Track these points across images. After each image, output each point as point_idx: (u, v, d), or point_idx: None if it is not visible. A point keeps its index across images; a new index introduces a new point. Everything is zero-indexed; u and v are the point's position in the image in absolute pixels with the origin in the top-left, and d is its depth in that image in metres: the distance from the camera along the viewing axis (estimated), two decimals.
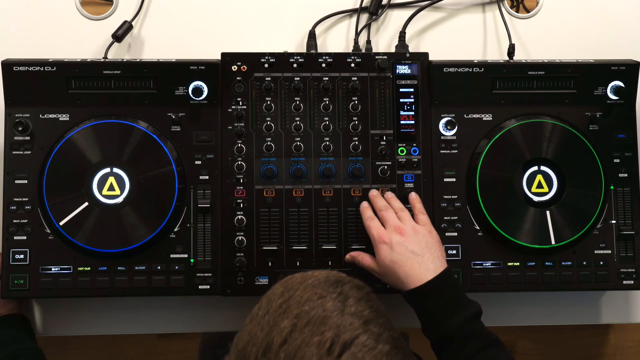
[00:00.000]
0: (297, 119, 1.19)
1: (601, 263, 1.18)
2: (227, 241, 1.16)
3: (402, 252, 1.06)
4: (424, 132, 1.19)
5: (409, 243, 1.07)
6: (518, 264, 1.18)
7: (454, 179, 1.19)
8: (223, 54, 1.19)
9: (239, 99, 1.18)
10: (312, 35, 1.28)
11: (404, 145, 1.19)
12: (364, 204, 1.15)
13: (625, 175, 1.20)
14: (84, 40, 1.29)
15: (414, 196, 1.16)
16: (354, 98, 1.19)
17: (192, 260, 1.15)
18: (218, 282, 1.15)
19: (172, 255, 1.15)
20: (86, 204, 1.13)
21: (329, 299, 0.74)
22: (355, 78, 1.20)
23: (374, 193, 1.16)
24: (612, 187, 1.19)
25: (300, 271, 1.15)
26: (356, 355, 0.69)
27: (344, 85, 1.19)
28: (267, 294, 0.78)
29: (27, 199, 1.14)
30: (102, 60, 1.19)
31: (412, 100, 1.20)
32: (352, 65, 1.20)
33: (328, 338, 0.70)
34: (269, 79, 1.19)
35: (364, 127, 1.19)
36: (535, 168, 1.18)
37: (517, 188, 1.17)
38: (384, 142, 1.19)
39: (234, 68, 1.19)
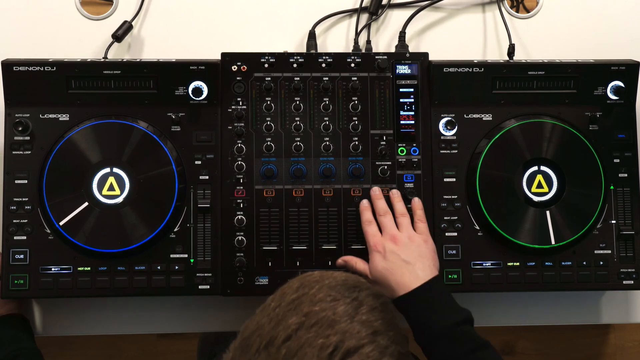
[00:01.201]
0: (297, 119, 1.19)
1: (601, 263, 1.18)
2: (227, 241, 1.16)
3: (394, 261, 1.07)
4: (424, 132, 1.19)
5: (402, 252, 1.07)
6: (518, 264, 1.18)
7: (454, 179, 1.19)
8: (223, 54, 1.19)
9: (239, 99, 1.18)
10: (312, 35, 1.28)
11: (404, 145, 1.19)
12: (364, 204, 1.15)
13: (625, 175, 1.20)
14: (84, 40, 1.29)
15: (416, 202, 1.16)
16: (354, 98, 1.19)
17: (192, 260, 1.15)
18: (218, 282, 1.15)
19: (172, 255, 1.15)
20: (86, 204, 1.13)
21: (342, 303, 0.73)
22: (355, 78, 1.20)
23: (375, 192, 1.16)
24: (612, 187, 1.19)
25: (300, 271, 1.16)
26: None
27: (344, 85, 1.19)
28: (283, 286, 0.77)
29: (27, 199, 1.14)
30: (102, 60, 1.20)
31: (412, 100, 1.20)
32: (352, 65, 1.20)
33: (332, 342, 0.69)
34: (269, 79, 1.19)
35: (364, 127, 1.19)
36: (535, 168, 1.18)
37: (517, 188, 1.17)
38: (384, 142, 1.19)
39: (234, 68, 1.19)
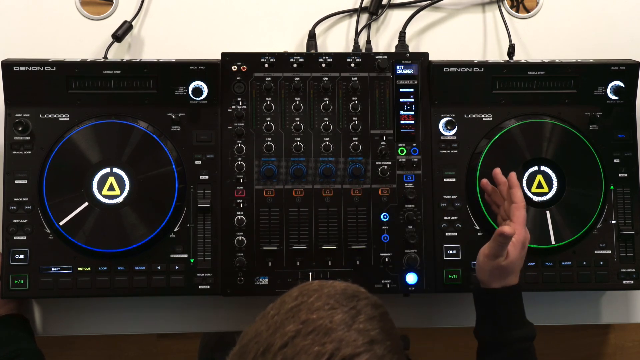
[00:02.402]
0: (297, 119, 1.19)
1: (601, 263, 1.18)
2: (227, 241, 1.16)
3: (522, 262, 1.07)
4: (424, 132, 1.19)
5: (524, 255, 1.07)
6: None
7: (454, 179, 1.19)
8: (223, 54, 1.19)
9: (239, 99, 1.18)
10: (312, 35, 1.28)
11: (404, 145, 1.19)
12: (515, 180, 1.07)
13: (625, 175, 1.20)
14: (84, 40, 1.29)
15: (514, 181, 1.07)
16: (354, 98, 1.19)
17: (192, 260, 1.15)
18: (218, 282, 1.15)
19: (172, 255, 1.15)
20: (86, 204, 1.13)
21: (340, 311, 0.73)
22: (355, 78, 1.20)
23: (514, 180, 1.07)
24: (612, 187, 1.19)
25: (300, 271, 1.16)
26: None
27: (344, 85, 1.19)
28: (284, 295, 0.77)
29: (27, 199, 1.14)
30: (102, 60, 1.19)
31: (412, 100, 1.20)
32: (352, 65, 1.20)
33: (328, 350, 0.69)
34: (269, 79, 1.19)
35: (364, 127, 1.19)
36: (535, 168, 1.18)
37: None
38: (384, 142, 1.19)
39: (234, 68, 1.19)
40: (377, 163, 1.18)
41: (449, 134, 1.19)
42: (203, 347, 1.61)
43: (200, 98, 1.17)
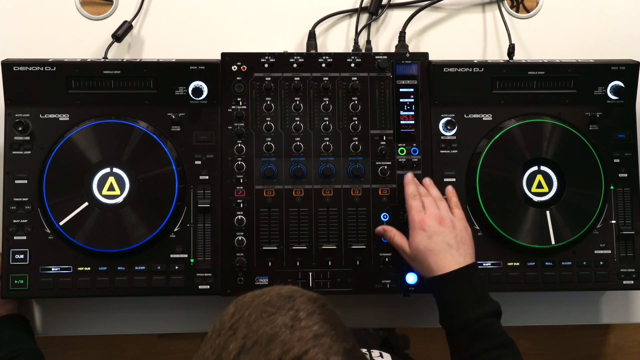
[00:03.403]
0: (297, 119, 1.19)
1: (601, 263, 1.18)
2: (227, 241, 1.16)
3: (438, 242, 1.07)
4: (424, 132, 1.19)
5: (445, 235, 1.07)
6: (518, 264, 1.18)
7: (454, 179, 1.19)
8: (223, 54, 1.19)
9: (239, 99, 1.18)
10: (312, 35, 1.28)
11: (404, 145, 1.19)
12: (409, 177, 1.15)
13: (625, 175, 1.20)
14: (84, 40, 1.29)
15: (450, 190, 1.16)
16: (354, 98, 1.19)
17: (192, 260, 1.15)
18: (218, 282, 1.15)
19: (172, 255, 1.15)
20: (86, 204, 1.13)
21: (279, 315, 0.72)
22: (355, 78, 1.20)
23: (409, 178, 1.15)
24: (612, 187, 1.19)
25: (300, 271, 1.16)
26: None
27: (344, 85, 1.19)
28: (220, 315, 0.76)
29: (27, 199, 1.14)
30: (102, 60, 1.20)
31: (412, 100, 1.20)
32: (352, 65, 1.20)
33: (275, 356, 0.68)
34: (269, 79, 1.19)
35: (364, 127, 1.19)
36: (535, 168, 1.18)
37: (517, 188, 1.17)
38: (384, 142, 1.19)
39: (234, 68, 1.19)
40: (377, 163, 1.18)
41: (449, 134, 1.20)
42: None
43: (200, 98, 1.17)
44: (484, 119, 1.20)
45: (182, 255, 1.15)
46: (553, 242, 1.16)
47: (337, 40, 1.32)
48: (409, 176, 1.15)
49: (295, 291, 0.76)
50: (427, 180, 1.16)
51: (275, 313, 0.72)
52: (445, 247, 1.06)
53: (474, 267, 1.07)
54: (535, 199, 1.17)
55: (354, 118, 1.19)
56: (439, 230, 1.07)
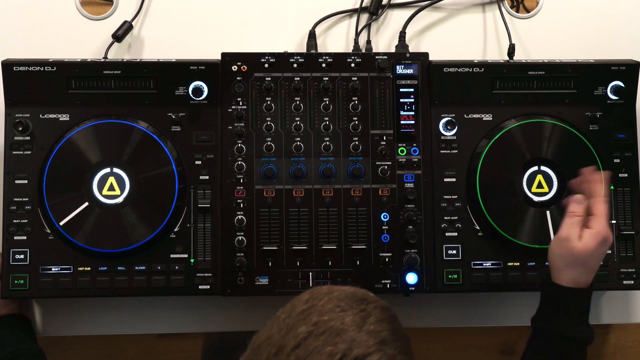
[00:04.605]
0: (297, 119, 1.19)
1: (601, 263, 1.18)
2: (227, 241, 1.16)
3: (597, 260, 1.04)
4: (424, 132, 1.19)
5: (602, 256, 1.05)
6: (518, 264, 1.18)
7: (454, 179, 1.19)
8: (223, 54, 1.19)
9: (239, 99, 1.18)
10: (312, 35, 1.28)
11: (404, 145, 1.19)
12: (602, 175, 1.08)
13: (625, 175, 1.20)
14: (84, 40, 1.29)
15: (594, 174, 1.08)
16: (354, 98, 1.19)
17: (192, 260, 1.15)
18: (218, 282, 1.15)
19: (172, 255, 1.15)
20: (86, 204, 1.13)
21: (350, 313, 0.74)
22: (355, 78, 1.20)
23: (594, 174, 1.08)
24: (612, 187, 1.19)
25: (300, 271, 1.16)
26: None
27: (344, 85, 1.19)
28: (293, 299, 0.79)
29: (27, 199, 1.14)
30: (102, 60, 1.19)
31: (412, 100, 1.20)
32: (352, 65, 1.20)
33: (340, 350, 0.70)
34: (269, 79, 1.19)
35: (364, 127, 1.19)
36: (535, 168, 1.18)
37: (517, 188, 1.17)
38: (384, 142, 1.19)
39: (234, 68, 1.19)
40: (377, 163, 1.18)
41: (449, 134, 1.19)
42: (207, 348, 1.61)
43: (201, 98, 1.17)
44: (484, 119, 1.20)
45: (182, 255, 1.15)
46: None
47: (337, 40, 1.32)
48: (601, 175, 1.08)
49: (369, 295, 0.79)
50: (593, 173, 1.08)
51: (347, 310, 0.75)
52: (595, 267, 1.04)
53: (592, 288, 1.06)
54: (536, 199, 1.17)
55: (354, 118, 1.19)
56: (609, 243, 1.04)
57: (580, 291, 1.03)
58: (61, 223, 1.12)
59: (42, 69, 1.15)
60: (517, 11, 1.35)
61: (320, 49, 1.29)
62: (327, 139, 1.18)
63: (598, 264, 1.04)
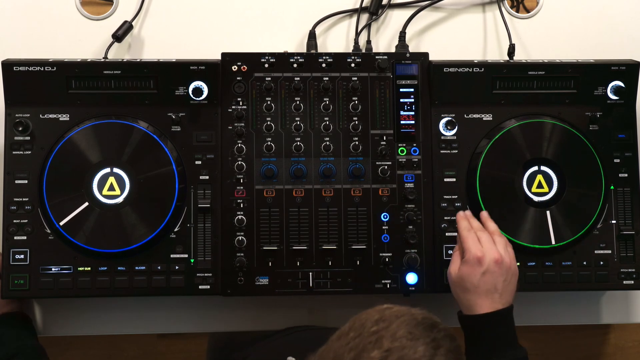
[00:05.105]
0: (297, 119, 1.19)
1: (601, 263, 1.18)
2: (227, 241, 1.16)
3: (487, 282, 1.04)
4: (424, 132, 1.19)
5: (497, 277, 1.04)
6: (518, 264, 1.17)
7: (454, 179, 1.19)
8: (223, 54, 1.19)
9: (239, 99, 1.18)
10: (312, 35, 1.28)
11: (404, 145, 1.19)
12: (462, 215, 1.12)
13: (625, 175, 1.20)
14: (84, 40, 1.29)
15: (485, 215, 1.13)
16: (354, 98, 1.19)
17: (192, 260, 1.15)
18: (218, 282, 1.15)
19: (172, 255, 1.15)
20: (86, 204, 1.13)
21: (422, 342, 0.75)
22: (356, 78, 1.20)
23: (461, 215, 1.12)
24: (612, 187, 1.19)
25: (300, 271, 1.16)
26: None
27: (344, 85, 1.19)
28: (361, 316, 0.79)
29: (27, 199, 1.14)
30: (102, 60, 1.19)
31: (412, 100, 1.20)
32: (352, 65, 1.20)
33: None
34: (269, 79, 1.19)
35: (364, 127, 1.19)
36: (535, 168, 1.18)
37: (517, 188, 1.17)
38: (384, 142, 1.19)
39: (234, 68, 1.19)
40: (377, 163, 1.18)
41: (449, 134, 1.20)
42: (212, 349, 1.60)
43: (201, 98, 1.17)
44: (484, 119, 1.20)
45: (182, 255, 1.15)
46: (553, 242, 1.16)
47: (337, 40, 1.32)
48: (461, 213, 1.13)
49: (437, 322, 0.80)
50: (485, 214, 1.13)
51: (419, 338, 0.76)
52: (491, 290, 1.04)
53: (510, 310, 1.05)
54: (536, 199, 1.17)
55: (354, 118, 1.19)
56: (493, 269, 1.04)
57: (491, 315, 1.03)
58: (61, 223, 1.12)
59: (42, 69, 1.15)
60: (517, 11, 1.35)
61: (320, 49, 1.29)
62: (327, 139, 1.18)
63: (487, 284, 1.04)
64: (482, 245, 1.06)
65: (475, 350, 1.04)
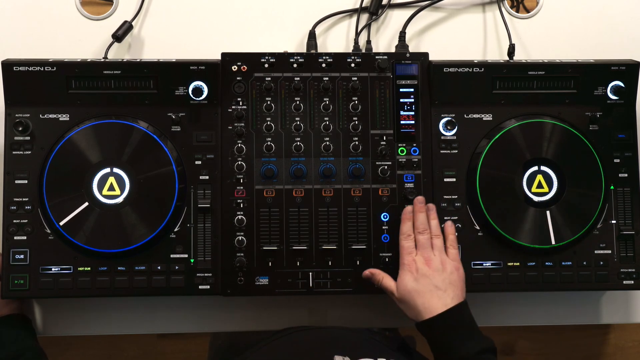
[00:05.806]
0: (297, 119, 1.19)
1: (601, 263, 1.18)
2: (227, 241, 1.16)
3: (424, 284, 1.07)
4: (424, 132, 1.19)
5: (434, 277, 1.07)
6: (518, 264, 1.18)
7: (454, 179, 1.19)
8: (223, 54, 1.19)
9: (239, 99, 1.18)
10: (312, 35, 1.28)
11: (404, 145, 1.19)
12: (408, 213, 1.14)
13: (625, 175, 1.20)
14: (84, 40, 1.29)
15: (449, 226, 1.15)
16: (354, 98, 1.19)
17: (192, 260, 1.15)
18: (218, 282, 1.15)
19: (172, 255, 1.15)
20: (86, 204, 1.13)
21: None
22: (356, 78, 1.20)
23: (420, 203, 1.15)
24: (612, 187, 1.19)
25: (300, 271, 1.16)
26: None
27: (344, 85, 1.19)
28: None
29: (27, 199, 1.14)
30: (102, 60, 1.19)
31: (412, 100, 1.20)
32: (352, 65, 1.20)
33: None
34: (269, 79, 1.19)
35: (364, 127, 1.19)
36: (535, 168, 1.18)
37: (517, 188, 1.17)
38: (384, 142, 1.19)
39: (234, 68, 1.19)
40: (377, 163, 1.18)
41: (449, 134, 1.20)
42: (215, 350, 1.60)
43: (201, 98, 1.17)
44: (484, 119, 1.20)
45: (182, 255, 1.15)
46: (553, 242, 1.16)
47: (337, 40, 1.32)
48: (408, 211, 1.15)
49: None
50: (431, 207, 1.15)
51: None
52: (432, 289, 1.06)
53: (464, 305, 1.06)
54: (536, 199, 1.17)
55: (354, 118, 1.19)
56: (427, 272, 1.08)
57: (444, 313, 1.04)
58: (61, 223, 1.12)
59: (42, 69, 1.15)
60: (517, 11, 1.35)
61: (320, 49, 1.29)
62: (327, 139, 1.18)
63: (435, 283, 1.07)
64: (417, 250, 1.11)
65: (438, 350, 1.05)
